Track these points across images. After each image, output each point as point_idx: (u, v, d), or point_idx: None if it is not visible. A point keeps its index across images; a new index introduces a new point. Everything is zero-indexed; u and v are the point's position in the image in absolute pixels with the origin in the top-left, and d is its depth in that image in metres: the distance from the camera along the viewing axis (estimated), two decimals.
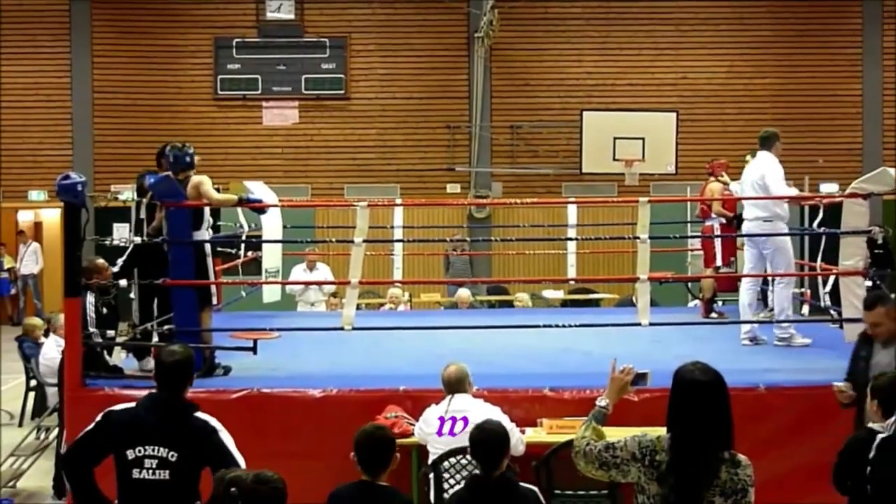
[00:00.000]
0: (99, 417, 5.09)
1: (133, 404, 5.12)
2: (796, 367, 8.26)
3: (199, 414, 5.09)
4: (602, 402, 4.57)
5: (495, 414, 6.97)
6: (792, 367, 8.27)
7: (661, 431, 4.26)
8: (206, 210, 8.34)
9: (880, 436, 4.98)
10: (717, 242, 11.12)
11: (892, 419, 5.01)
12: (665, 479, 4.14)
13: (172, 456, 4.92)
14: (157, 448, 4.92)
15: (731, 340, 9.43)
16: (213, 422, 5.06)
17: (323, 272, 14.58)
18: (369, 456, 4.95)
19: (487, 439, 5.10)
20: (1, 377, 12.34)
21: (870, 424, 5.17)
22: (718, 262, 11.22)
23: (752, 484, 4.14)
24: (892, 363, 5.97)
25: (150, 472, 4.91)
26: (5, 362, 13.02)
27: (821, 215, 10.04)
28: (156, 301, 8.46)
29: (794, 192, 9.19)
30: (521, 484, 5.09)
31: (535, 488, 5.20)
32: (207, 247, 8.40)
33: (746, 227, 9.60)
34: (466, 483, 5.08)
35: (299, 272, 14.44)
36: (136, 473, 4.93)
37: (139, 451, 4.93)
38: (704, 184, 11.93)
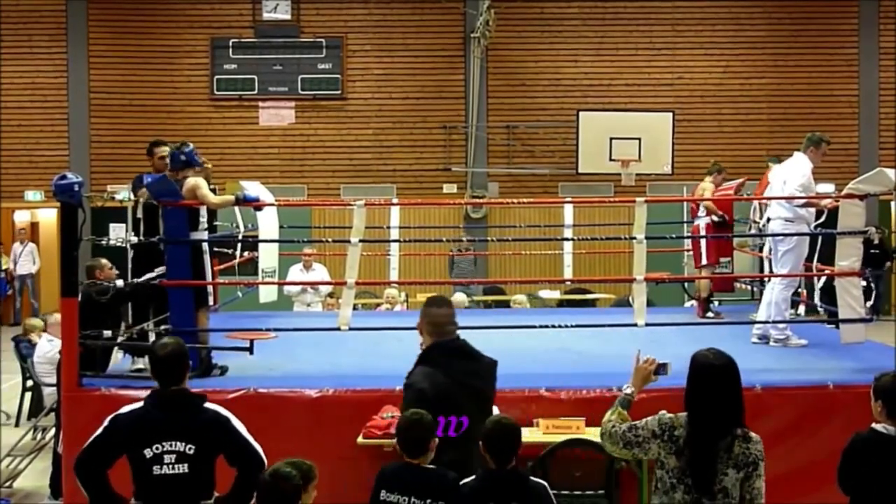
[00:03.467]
0: (106, 423, 5.12)
1: (139, 404, 5.16)
2: (793, 367, 8.27)
3: (209, 405, 5.17)
4: (628, 389, 4.95)
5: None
6: (788, 367, 8.28)
7: None
8: (203, 210, 8.32)
9: None
10: (703, 242, 11.15)
11: None
12: (682, 454, 4.56)
13: (190, 449, 4.99)
14: (173, 443, 4.99)
15: (727, 340, 9.36)
16: (223, 411, 5.15)
17: (320, 272, 14.55)
18: (410, 440, 4.97)
19: (501, 433, 5.15)
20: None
21: (874, 425, 5.15)
22: (704, 262, 11.25)
23: (762, 458, 4.56)
24: None
25: (171, 466, 4.98)
26: (2, 362, 13.01)
27: (823, 217, 10.00)
28: (153, 302, 8.46)
29: (798, 192, 9.12)
30: (532, 478, 5.14)
31: (545, 483, 5.23)
32: (205, 246, 8.39)
33: (770, 227, 9.57)
34: (478, 475, 5.14)
35: (296, 272, 14.42)
36: (156, 470, 4.99)
37: (157, 448, 4.98)
38: (697, 184, 11.98)
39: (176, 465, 4.98)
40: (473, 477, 5.13)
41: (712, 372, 4.63)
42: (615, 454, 4.81)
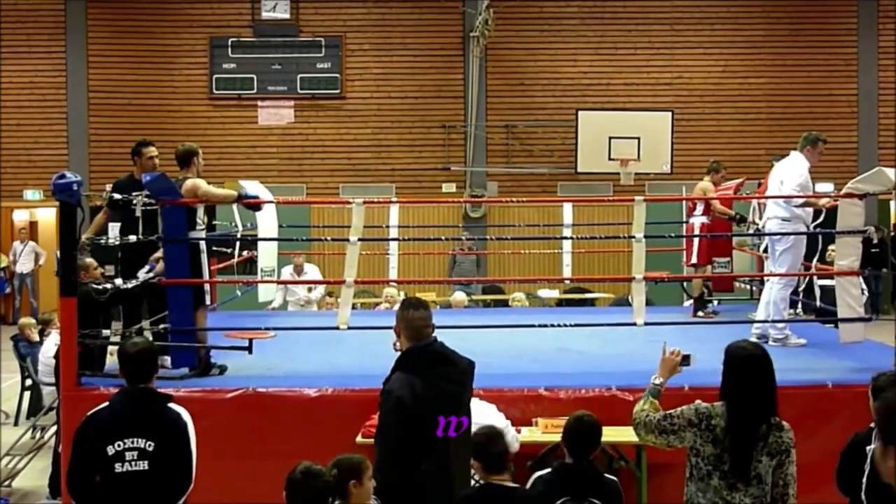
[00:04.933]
0: (77, 430, 5.16)
1: (107, 403, 5.21)
2: (792, 366, 8.25)
3: (173, 405, 5.21)
4: (657, 380, 5.17)
5: (491, 412, 6.97)
6: (788, 366, 8.24)
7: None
8: (201, 211, 8.30)
9: (870, 448, 4.95)
10: (696, 241, 11.16)
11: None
12: (720, 442, 4.71)
13: (150, 446, 5.02)
14: (135, 440, 5.02)
15: (726, 340, 9.39)
16: (186, 415, 5.18)
17: (311, 275, 14.42)
18: (489, 456, 4.95)
19: (583, 429, 5.22)
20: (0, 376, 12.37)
21: (873, 425, 5.14)
22: (693, 261, 11.27)
23: (793, 445, 4.76)
24: None
25: (132, 463, 5.01)
26: (2, 362, 13.00)
27: (822, 217, 10.01)
28: (146, 301, 8.46)
29: (796, 192, 9.11)
30: (606, 475, 5.16)
31: (617, 479, 5.25)
32: (202, 245, 8.37)
33: (767, 226, 9.56)
34: (554, 467, 5.16)
35: (287, 276, 14.26)
36: (118, 467, 5.01)
37: (118, 446, 5.02)
38: (696, 183, 11.99)
39: (137, 462, 5.00)
40: (548, 470, 5.15)
41: (750, 362, 4.83)
42: (648, 442, 4.97)
